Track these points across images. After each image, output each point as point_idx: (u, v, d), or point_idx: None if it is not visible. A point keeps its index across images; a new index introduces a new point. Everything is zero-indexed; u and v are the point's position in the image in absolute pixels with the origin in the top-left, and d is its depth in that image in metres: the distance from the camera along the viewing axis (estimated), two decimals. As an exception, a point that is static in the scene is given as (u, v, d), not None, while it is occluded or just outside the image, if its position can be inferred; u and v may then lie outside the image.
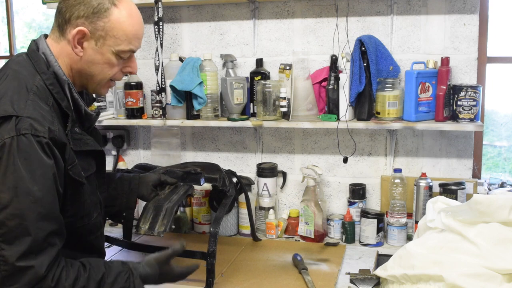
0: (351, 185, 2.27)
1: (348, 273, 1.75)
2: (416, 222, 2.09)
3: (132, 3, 1.38)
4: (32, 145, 1.17)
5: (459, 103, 2.02)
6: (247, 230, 2.29)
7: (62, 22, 1.33)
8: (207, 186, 2.24)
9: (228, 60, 2.33)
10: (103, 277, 1.28)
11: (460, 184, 2.09)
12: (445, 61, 2.06)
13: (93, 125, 1.49)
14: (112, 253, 2.05)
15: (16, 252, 1.14)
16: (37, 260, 1.16)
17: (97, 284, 1.27)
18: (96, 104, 2.43)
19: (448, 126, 2.05)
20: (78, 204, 1.33)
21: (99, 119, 2.38)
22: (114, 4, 1.33)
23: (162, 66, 2.28)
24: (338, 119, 2.15)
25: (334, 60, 2.16)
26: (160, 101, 2.34)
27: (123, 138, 2.59)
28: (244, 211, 2.27)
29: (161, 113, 2.36)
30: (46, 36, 1.40)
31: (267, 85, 2.20)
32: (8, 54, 3.10)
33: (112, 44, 1.34)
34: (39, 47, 1.36)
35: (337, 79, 2.14)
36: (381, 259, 2.04)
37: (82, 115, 1.40)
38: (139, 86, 2.42)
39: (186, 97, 2.29)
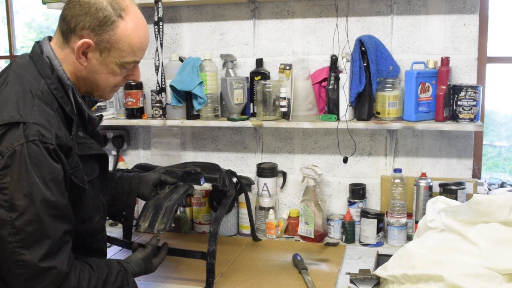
0: (351, 185, 2.27)
1: (348, 273, 1.75)
2: (416, 222, 2.09)
3: (139, 14, 1.36)
4: (41, 151, 1.18)
5: (459, 103, 2.02)
6: (247, 230, 2.29)
7: (66, 30, 1.32)
8: (207, 186, 2.23)
9: (228, 60, 2.33)
10: (107, 276, 1.36)
11: (460, 184, 2.09)
12: (445, 61, 2.06)
13: (96, 128, 1.49)
14: (112, 253, 2.05)
15: (37, 255, 1.17)
16: (57, 260, 1.20)
17: (103, 283, 1.34)
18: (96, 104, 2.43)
19: (448, 126, 2.05)
20: (79, 208, 1.34)
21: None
22: (121, 16, 1.31)
23: (162, 66, 2.28)
24: (338, 119, 2.15)
25: (334, 60, 2.16)
26: (160, 101, 2.34)
27: (123, 138, 2.59)
28: (244, 211, 2.27)
29: (161, 113, 2.36)
30: (50, 38, 1.39)
31: (267, 85, 2.20)
32: (8, 54, 3.10)
33: (117, 56, 1.34)
34: (43, 50, 1.35)
35: (337, 79, 2.14)
36: (381, 259, 2.04)
37: (86, 119, 1.41)
38: (139, 86, 2.42)
39: (186, 97, 2.29)
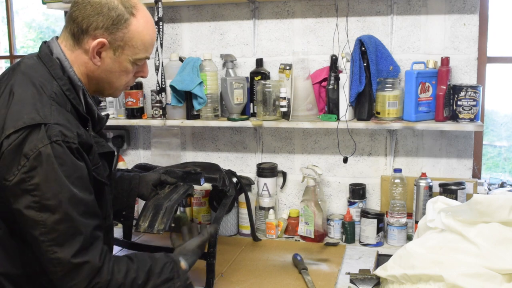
0: (351, 185, 2.27)
1: (348, 273, 1.75)
2: (416, 222, 2.09)
3: (146, 10, 1.39)
4: (65, 151, 1.19)
5: (459, 103, 2.02)
6: (247, 230, 2.29)
7: (78, 32, 1.32)
8: (207, 186, 2.24)
9: (228, 60, 2.33)
10: (151, 268, 1.34)
11: (460, 184, 2.09)
12: (445, 61, 2.06)
13: (103, 127, 1.50)
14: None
15: (69, 252, 1.19)
16: (90, 255, 1.22)
17: (146, 275, 1.32)
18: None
19: (448, 126, 2.05)
20: (101, 204, 1.35)
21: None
22: (132, 14, 1.33)
23: (162, 66, 2.28)
24: (338, 119, 2.15)
25: (334, 60, 2.16)
26: (160, 101, 2.34)
27: (123, 138, 2.59)
28: (244, 211, 2.27)
29: (161, 113, 2.36)
30: (57, 38, 1.38)
31: (267, 85, 2.20)
32: (8, 54, 3.10)
33: (130, 53, 1.35)
34: (53, 51, 1.35)
35: (337, 79, 2.14)
36: (381, 259, 2.04)
37: (95, 119, 1.42)
38: (139, 86, 2.42)
39: (186, 97, 2.29)
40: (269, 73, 2.33)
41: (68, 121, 1.24)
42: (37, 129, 1.19)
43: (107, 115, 1.52)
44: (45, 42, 1.38)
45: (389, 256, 1.73)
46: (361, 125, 2.13)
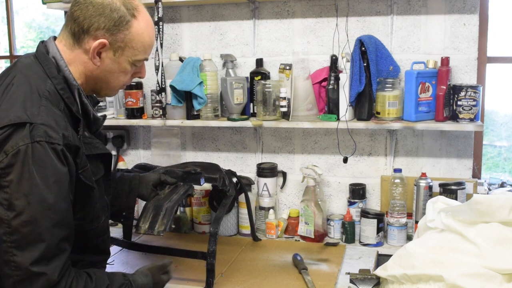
0: (351, 185, 2.27)
1: (348, 273, 1.75)
2: (416, 222, 2.09)
3: (147, 13, 1.39)
4: (46, 152, 1.17)
5: (459, 103, 2.02)
6: (247, 230, 2.29)
7: (79, 31, 1.32)
8: (207, 186, 2.24)
9: (228, 60, 2.33)
10: None
11: (460, 184, 2.09)
12: (445, 61, 2.06)
13: (100, 128, 1.50)
14: (112, 253, 2.04)
15: (29, 258, 1.15)
16: (50, 267, 1.17)
17: None
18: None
19: (448, 126, 2.05)
20: (88, 208, 1.34)
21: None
22: (134, 16, 1.33)
23: (162, 66, 2.28)
24: (338, 119, 2.15)
25: (334, 60, 2.16)
26: (160, 101, 2.34)
27: (123, 138, 2.59)
28: (244, 211, 2.27)
29: (161, 113, 2.36)
30: (55, 38, 1.39)
31: (267, 85, 2.20)
32: (8, 54, 3.10)
33: (130, 54, 1.36)
34: (49, 50, 1.35)
35: (337, 79, 2.14)
36: (381, 259, 2.05)
37: (91, 120, 1.41)
38: (139, 86, 2.42)
39: (186, 97, 2.29)
40: (269, 73, 2.33)
41: (56, 122, 1.23)
42: (22, 128, 1.18)
43: (104, 116, 1.52)
44: (42, 42, 1.39)
45: (389, 256, 1.73)
46: (361, 125, 2.13)
